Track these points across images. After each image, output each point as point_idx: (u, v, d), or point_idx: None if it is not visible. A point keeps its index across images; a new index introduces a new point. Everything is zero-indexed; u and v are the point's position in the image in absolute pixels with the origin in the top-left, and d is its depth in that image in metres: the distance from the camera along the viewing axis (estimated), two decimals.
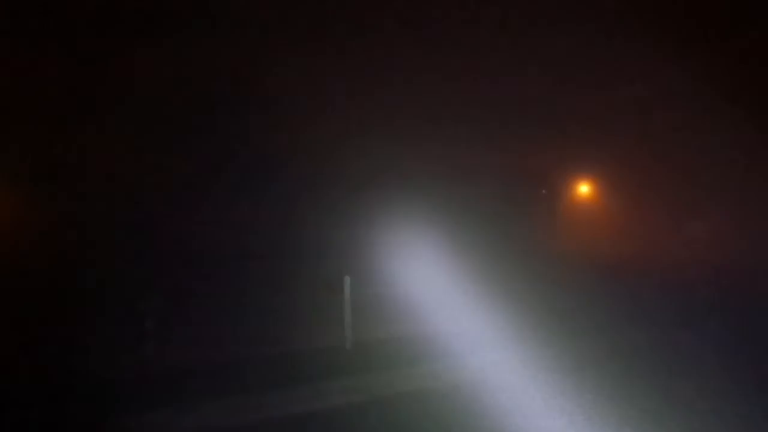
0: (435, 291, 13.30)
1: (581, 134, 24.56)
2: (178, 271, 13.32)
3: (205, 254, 14.89)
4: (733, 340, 10.07)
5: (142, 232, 15.46)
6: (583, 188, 27.82)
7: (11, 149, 16.07)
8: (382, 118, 20.22)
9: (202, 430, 6.92)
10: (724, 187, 23.12)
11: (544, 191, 26.90)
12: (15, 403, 7.67)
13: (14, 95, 16.26)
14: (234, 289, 12.29)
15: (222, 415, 7.36)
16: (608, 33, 21.81)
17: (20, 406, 7.56)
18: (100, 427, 7.04)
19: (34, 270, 13.59)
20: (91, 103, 16.85)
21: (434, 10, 21.01)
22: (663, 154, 24.50)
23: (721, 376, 8.19)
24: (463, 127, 22.58)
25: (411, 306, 12.02)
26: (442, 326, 11.10)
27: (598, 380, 8.17)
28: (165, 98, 17.29)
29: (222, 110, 18.26)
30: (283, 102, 18.83)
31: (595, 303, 13.24)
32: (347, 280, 10.56)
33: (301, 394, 8.05)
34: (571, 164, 26.73)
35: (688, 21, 21.43)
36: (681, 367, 8.78)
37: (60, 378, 8.63)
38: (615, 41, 22.14)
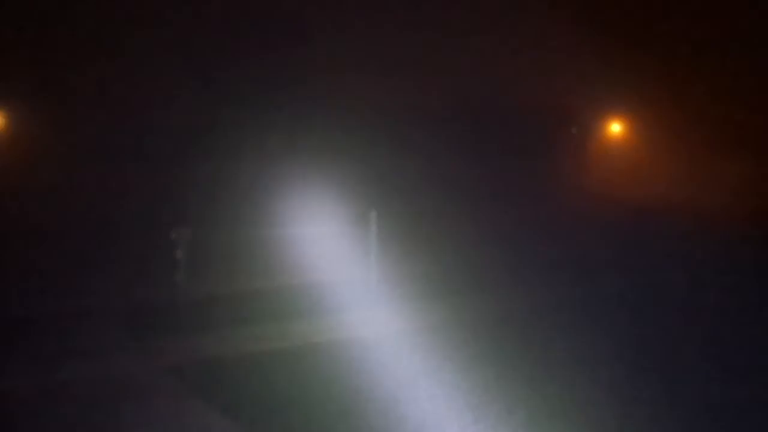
0: (460, 229, 13.30)
1: (614, 70, 23.79)
2: (206, 202, 13.48)
3: (231, 186, 15.01)
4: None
5: (170, 164, 15.59)
6: (615, 127, 27.17)
7: (27, 78, 16.14)
8: (401, 52, 19.78)
9: (229, 356, 7.12)
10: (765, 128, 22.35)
11: (574, 130, 26.36)
12: (52, 324, 7.97)
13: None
14: (260, 220, 12.42)
15: (248, 341, 7.56)
16: None
17: (59, 326, 7.86)
18: (135, 349, 7.30)
19: (70, 200, 13.87)
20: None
21: None
22: (699, 91, 23.70)
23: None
24: (487, 62, 21.99)
25: (435, 242, 12.04)
26: (463, 262, 11.16)
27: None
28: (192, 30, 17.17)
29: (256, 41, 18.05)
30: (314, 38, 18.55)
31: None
32: (374, 214, 10.58)
33: (327, 324, 8.23)
34: (603, 102, 26.04)
35: None
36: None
37: (97, 303, 8.93)
38: None
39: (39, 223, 12.54)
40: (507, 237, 13.76)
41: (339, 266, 10.75)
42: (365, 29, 19.35)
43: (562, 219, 16.76)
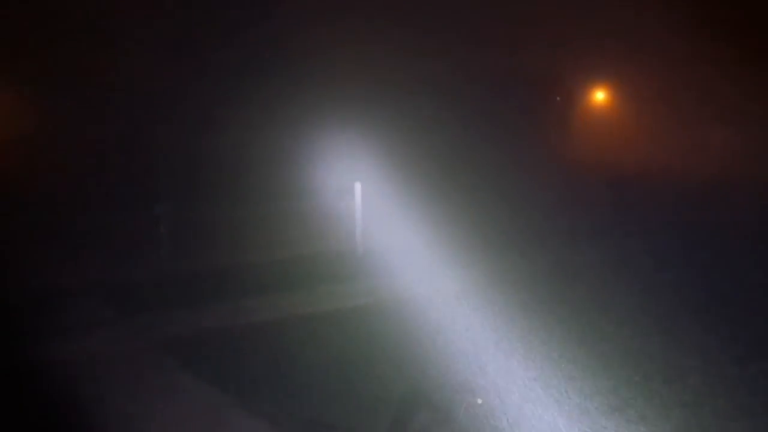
0: (440, 200, 13.31)
1: (599, 37, 23.71)
2: (189, 177, 13.38)
3: (215, 160, 14.89)
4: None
5: (154, 139, 15.43)
6: (600, 95, 27.16)
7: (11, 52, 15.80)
8: (385, 19, 19.57)
9: (217, 330, 7.15)
10: (747, 97, 22.45)
11: (558, 98, 26.31)
12: (38, 300, 7.93)
13: None
14: (245, 194, 12.37)
15: (235, 315, 7.59)
16: None
17: (44, 303, 7.83)
18: (122, 325, 7.31)
19: (50, 175, 13.71)
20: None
21: None
22: (684, 59, 23.70)
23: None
24: (470, 28, 21.81)
25: (420, 216, 12.05)
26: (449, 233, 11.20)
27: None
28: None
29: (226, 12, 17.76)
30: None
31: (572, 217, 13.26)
32: (358, 186, 10.60)
33: (313, 297, 8.28)
34: (587, 69, 25.97)
35: None
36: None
37: (82, 279, 8.90)
38: None
39: (20, 201, 12.38)
40: (493, 206, 13.81)
41: (324, 239, 10.78)
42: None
43: (550, 186, 16.84)
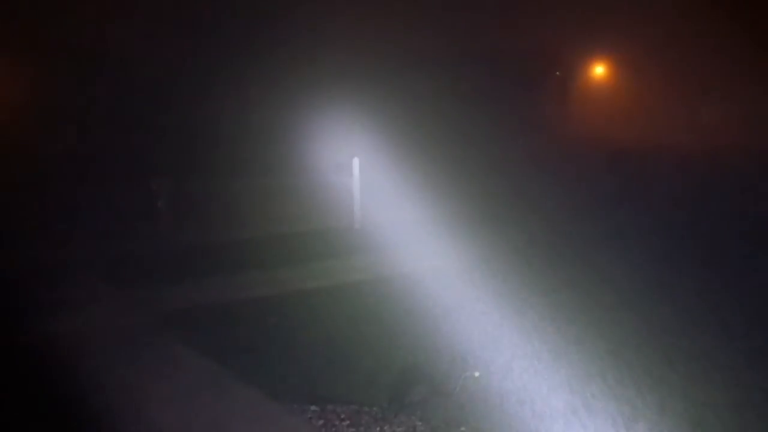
0: (439, 174, 13.30)
1: (598, 12, 23.48)
2: (186, 152, 13.32)
3: (213, 135, 14.82)
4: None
5: (152, 114, 15.33)
6: (599, 69, 26.98)
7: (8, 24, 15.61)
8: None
9: (216, 304, 7.17)
10: (743, 71, 22.30)
11: (558, 72, 26.13)
12: (37, 274, 7.94)
13: None
14: (243, 169, 12.33)
15: (234, 289, 7.61)
16: None
17: (43, 278, 7.84)
18: (121, 299, 7.32)
19: (49, 151, 13.65)
20: None
21: None
22: (681, 34, 23.49)
23: None
24: (471, 6, 21.60)
25: (418, 191, 12.06)
26: (444, 208, 11.20)
27: None
28: None
29: None
30: None
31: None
32: (356, 161, 10.56)
33: (311, 272, 8.29)
34: (587, 44, 25.76)
35: None
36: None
37: (80, 254, 8.91)
38: None
39: (18, 176, 12.34)
40: (490, 181, 13.80)
41: (322, 214, 10.77)
42: None
43: (545, 165, 16.81)
